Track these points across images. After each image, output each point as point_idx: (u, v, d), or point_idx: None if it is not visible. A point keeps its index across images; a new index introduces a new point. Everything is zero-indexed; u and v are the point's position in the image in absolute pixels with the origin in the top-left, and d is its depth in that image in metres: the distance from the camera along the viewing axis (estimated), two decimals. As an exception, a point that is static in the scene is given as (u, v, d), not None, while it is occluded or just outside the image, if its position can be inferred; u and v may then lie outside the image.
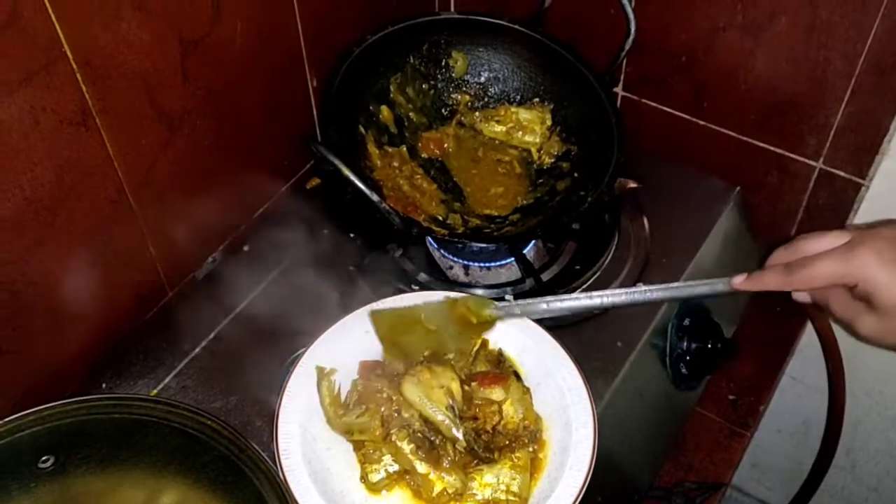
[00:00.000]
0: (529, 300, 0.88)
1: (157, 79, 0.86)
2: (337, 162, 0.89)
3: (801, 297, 0.77)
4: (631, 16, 1.04)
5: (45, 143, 0.78)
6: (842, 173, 1.12)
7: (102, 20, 0.78)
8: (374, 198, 0.90)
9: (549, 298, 0.87)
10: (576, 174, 1.06)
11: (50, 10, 0.72)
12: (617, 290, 0.84)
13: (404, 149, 1.08)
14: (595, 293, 0.84)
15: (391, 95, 1.09)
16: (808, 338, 1.32)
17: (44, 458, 0.76)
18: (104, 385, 0.93)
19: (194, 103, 0.92)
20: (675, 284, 0.82)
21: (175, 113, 0.91)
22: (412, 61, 1.10)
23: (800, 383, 1.46)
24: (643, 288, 0.83)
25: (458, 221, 1.03)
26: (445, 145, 1.11)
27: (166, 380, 0.94)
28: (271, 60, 1.01)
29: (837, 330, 1.28)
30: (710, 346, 1.03)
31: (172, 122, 0.91)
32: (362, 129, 1.05)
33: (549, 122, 1.11)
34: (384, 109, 1.08)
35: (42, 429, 0.78)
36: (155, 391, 0.93)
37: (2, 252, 0.79)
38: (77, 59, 0.77)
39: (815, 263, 0.72)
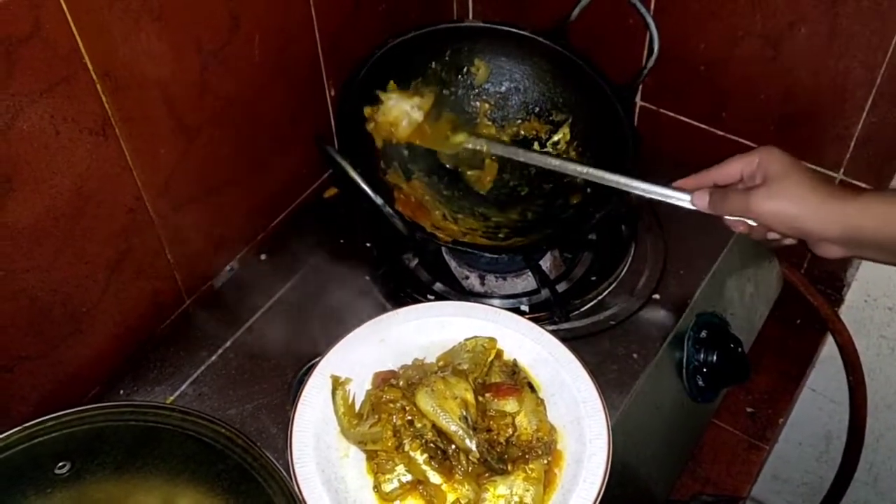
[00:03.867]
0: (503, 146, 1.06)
1: (176, 89, 0.87)
2: (344, 163, 0.89)
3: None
4: (655, 34, 1.04)
5: (64, 152, 0.79)
6: (863, 185, 1.11)
7: (122, 32, 0.79)
8: (378, 201, 0.90)
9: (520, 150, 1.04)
10: (589, 189, 1.05)
11: (71, 22, 0.74)
12: (583, 167, 0.96)
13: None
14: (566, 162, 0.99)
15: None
16: (829, 350, 1.31)
17: (60, 463, 0.77)
18: (122, 391, 0.94)
19: (212, 113, 0.93)
20: (646, 184, 0.91)
21: (193, 122, 0.92)
22: (433, 67, 1.10)
23: (821, 396, 1.45)
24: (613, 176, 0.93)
25: (467, 228, 1.03)
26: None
27: (183, 387, 0.94)
28: (289, 70, 1.02)
29: (860, 344, 1.27)
30: (727, 358, 1.02)
31: (191, 131, 0.92)
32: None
33: (567, 137, 1.11)
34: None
35: (59, 435, 0.79)
36: (172, 398, 0.93)
37: (22, 259, 0.81)
38: (97, 69, 0.78)
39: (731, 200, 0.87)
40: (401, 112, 1.03)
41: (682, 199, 0.90)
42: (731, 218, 0.87)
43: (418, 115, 1.04)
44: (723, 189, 0.88)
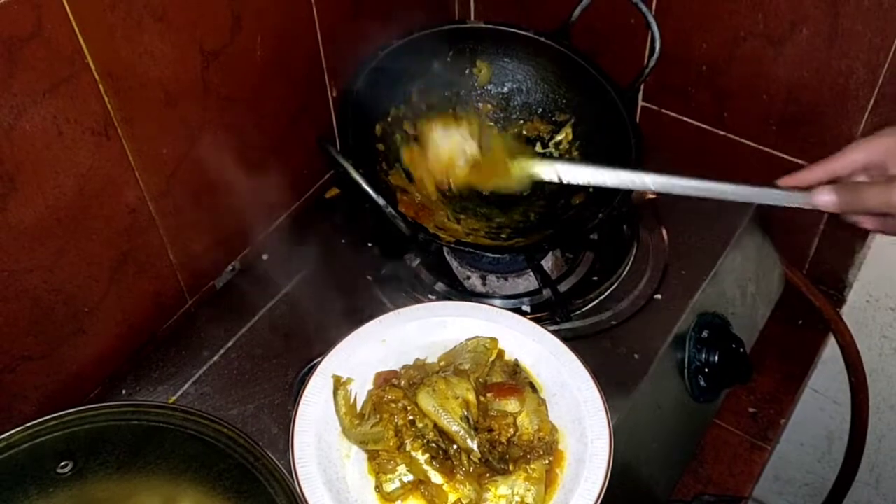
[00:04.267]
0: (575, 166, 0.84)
1: (178, 89, 0.87)
2: (346, 164, 0.89)
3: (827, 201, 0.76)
4: (657, 33, 1.04)
5: (67, 152, 0.79)
6: (865, 185, 1.10)
7: (125, 32, 0.79)
8: (381, 201, 0.90)
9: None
10: (591, 189, 1.05)
11: (73, 22, 0.74)
12: (676, 178, 0.81)
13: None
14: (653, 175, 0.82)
15: (413, 101, 1.09)
16: (831, 351, 1.31)
17: (63, 463, 0.77)
18: (124, 391, 0.94)
19: (214, 113, 0.93)
20: (745, 188, 0.80)
21: (195, 123, 0.92)
22: (436, 67, 1.10)
23: (823, 397, 1.45)
24: (709, 183, 0.81)
25: (470, 229, 1.03)
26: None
27: (185, 386, 0.95)
28: (291, 71, 1.02)
29: (861, 344, 1.27)
30: (729, 358, 1.02)
31: (193, 131, 0.92)
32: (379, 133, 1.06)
33: (570, 137, 1.11)
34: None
35: (62, 434, 0.79)
36: (174, 398, 0.94)
37: (25, 259, 0.81)
38: (99, 70, 0.78)
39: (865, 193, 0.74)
40: (454, 147, 0.86)
41: (793, 200, 0.78)
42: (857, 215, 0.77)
43: (473, 147, 0.86)
44: (851, 183, 0.76)
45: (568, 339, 0.92)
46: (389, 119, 1.07)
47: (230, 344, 0.98)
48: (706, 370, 1.02)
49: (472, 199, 1.08)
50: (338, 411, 0.85)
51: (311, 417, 0.84)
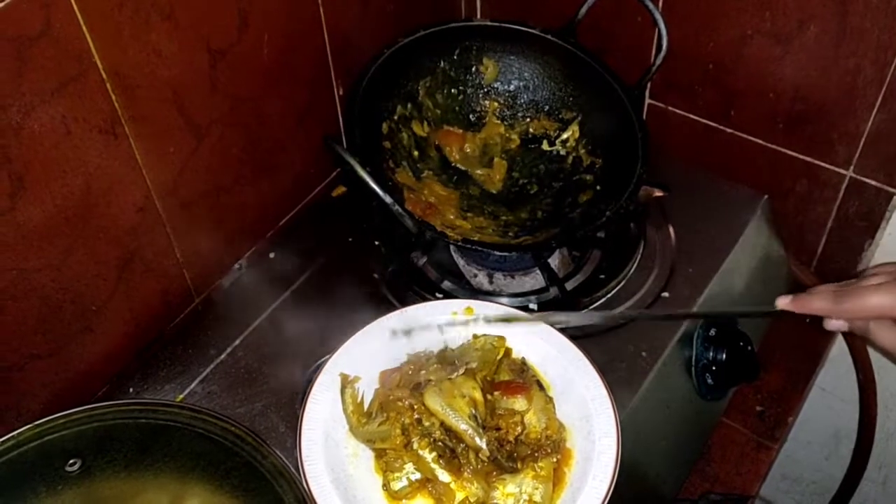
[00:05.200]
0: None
1: (186, 88, 0.88)
2: (352, 161, 0.89)
3: (837, 325, 0.78)
4: (663, 30, 1.04)
5: (75, 151, 0.79)
6: (873, 182, 1.10)
7: (132, 31, 0.79)
8: (388, 199, 0.90)
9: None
10: (598, 187, 1.05)
11: (81, 22, 0.74)
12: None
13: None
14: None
15: (419, 99, 1.09)
16: (839, 349, 1.30)
17: (71, 461, 0.77)
18: (131, 390, 0.95)
19: (222, 112, 0.94)
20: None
21: (203, 121, 0.92)
22: (442, 66, 1.11)
23: (830, 395, 1.44)
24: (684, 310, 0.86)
25: (477, 226, 1.03)
26: (466, 147, 1.11)
27: (192, 385, 0.95)
28: (298, 69, 1.02)
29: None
30: (736, 356, 1.02)
31: (200, 130, 0.92)
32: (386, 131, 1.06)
33: (576, 135, 1.11)
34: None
35: (70, 432, 0.80)
36: (181, 396, 0.94)
37: (33, 258, 0.81)
38: (107, 69, 0.78)
39: (865, 294, 0.73)
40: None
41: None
42: None
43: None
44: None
45: (575, 337, 0.92)
46: (396, 117, 1.07)
47: (237, 342, 0.98)
48: (714, 368, 1.02)
49: (478, 197, 1.08)
50: (345, 409, 0.85)
51: (318, 416, 0.84)
